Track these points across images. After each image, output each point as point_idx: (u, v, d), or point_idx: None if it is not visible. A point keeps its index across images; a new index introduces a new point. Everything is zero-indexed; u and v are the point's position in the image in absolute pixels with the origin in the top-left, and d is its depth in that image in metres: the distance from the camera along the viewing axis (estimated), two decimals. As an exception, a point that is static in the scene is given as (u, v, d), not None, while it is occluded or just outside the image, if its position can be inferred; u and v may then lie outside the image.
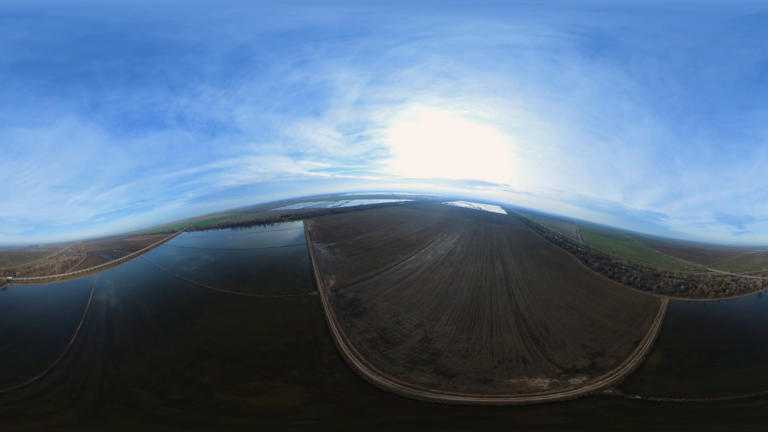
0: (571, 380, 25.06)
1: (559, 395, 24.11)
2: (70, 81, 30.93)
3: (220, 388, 23.18)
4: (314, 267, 36.08)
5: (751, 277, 30.32)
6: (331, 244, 39.86)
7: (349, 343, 28.40)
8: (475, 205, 44.19)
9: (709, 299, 29.79)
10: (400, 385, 24.95)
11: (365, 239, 41.44)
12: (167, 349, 26.04)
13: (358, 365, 26.17)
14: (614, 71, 30.28)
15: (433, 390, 24.57)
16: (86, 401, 20.84)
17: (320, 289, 33.43)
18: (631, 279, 32.65)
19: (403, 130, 35.42)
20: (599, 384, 24.72)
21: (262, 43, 31.03)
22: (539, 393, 24.38)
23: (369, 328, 29.57)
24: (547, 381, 25.04)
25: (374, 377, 25.58)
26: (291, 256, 38.12)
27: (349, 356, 26.80)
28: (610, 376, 25.28)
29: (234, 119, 34.14)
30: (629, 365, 25.91)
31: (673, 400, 22.93)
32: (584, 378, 25.09)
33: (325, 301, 32.15)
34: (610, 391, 24.39)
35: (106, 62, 31.13)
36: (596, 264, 34.53)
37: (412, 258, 37.31)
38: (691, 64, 29.48)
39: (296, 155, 37.14)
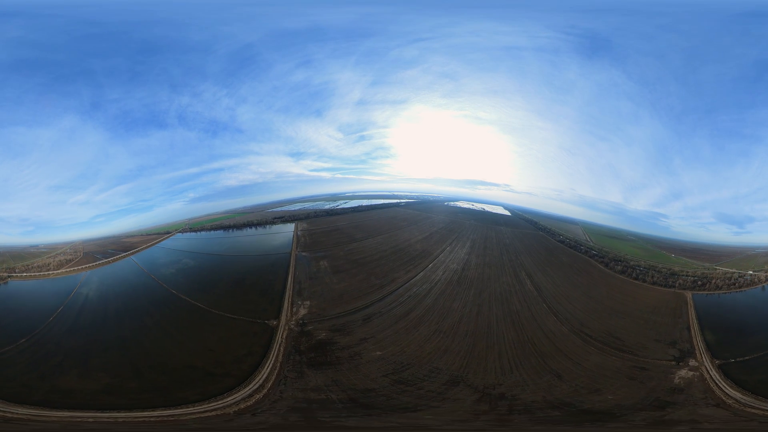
0: (690, 364, 29.84)
1: (715, 374, 29.55)
2: (69, 79, 33.30)
3: (68, 370, 29.08)
4: (288, 287, 33.78)
5: (756, 273, 34.71)
6: (318, 254, 37.33)
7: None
8: (478, 206, 44.81)
9: (723, 292, 34.73)
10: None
11: (359, 249, 38.40)
12: (103, 335, 31.28)
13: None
14: (612, 72, 32.97)
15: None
16: (34, 357, 29.14)
17: (283, 318, 30.30)
18: (654, 279, 35.95)
19: (404, 131, 37.02)
20: (707, 359, 30.04)
21: (267, 42, 33.30)
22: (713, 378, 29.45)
23: (329, 386, 26.26)
24: (686, 370, 29.47)
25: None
26: (269, 267, 37.20)
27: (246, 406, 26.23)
28: (701, 353, 30.49)
29: (236, 119, 35.76)
30: (700, 343, 30.99)
31: (745, 358, 30.09)
32: (693, 360, 29.88)
33: (280, 336, 29.00)
34: (717, 361, 29.96)
35: (107, 60, 33.55)
36: (618, 267, 36.82)
37: (418, 277, 33.81)
38: (688, 64, 32.37)
39: (297, 155, 38.35)
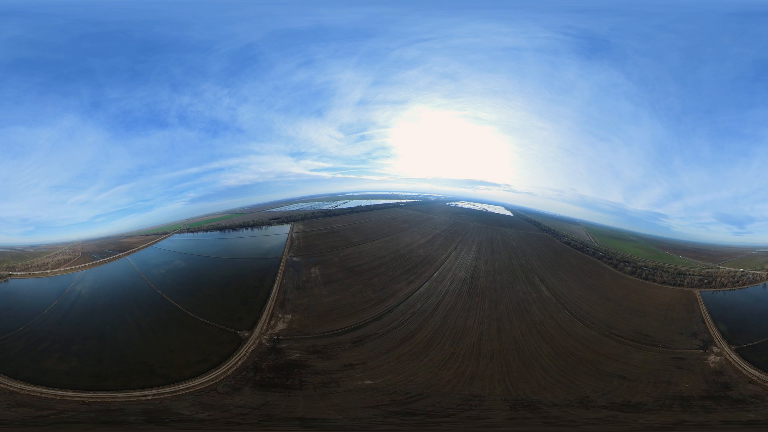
0: (714, 350, 33.00)
1: (735, 357, 32.88)
2: (69, 79, 34.34)
3: (52, 354, 31.75)
4: (271, 296, 32.53)
5: (757, 272, 36.97)
6: (311, 260, 35.85)
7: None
8: (480, 206, 45.42)
9: (727, 289, 37.31)
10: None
11: (356, 254, 37.17)
12: (87, 327, 33.21)
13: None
14: (612, 72, 34.17)
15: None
16: (29, 342, 32.14)
17: (257, 331, 28.68)
18: (663, 278, 37.74)
19: (404, 131, 37.92)
20: (725, 346, 33.35)
21: (269, 42, 34.36)
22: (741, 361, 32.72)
23: (252, 410, 24.07)
24: (713, 356, 32.70)
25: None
26: (257, 272, 36.70)
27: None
28: (718, 341, 33.71)
29: (236, 118, 36.73)
30: (716, 333, 34.02)
31: (754, 343, 33.61)
32: (715, 347, 33.13)
33: (245, 349, 27.46)
34: (733, 347, 33.19)
35: (107, 60, 34.65)
36: (627, 268, 38.24)
37: (422, 289, 31.70)
38: (687, 64, 33.53)
39: (298, 155, 39.17)
